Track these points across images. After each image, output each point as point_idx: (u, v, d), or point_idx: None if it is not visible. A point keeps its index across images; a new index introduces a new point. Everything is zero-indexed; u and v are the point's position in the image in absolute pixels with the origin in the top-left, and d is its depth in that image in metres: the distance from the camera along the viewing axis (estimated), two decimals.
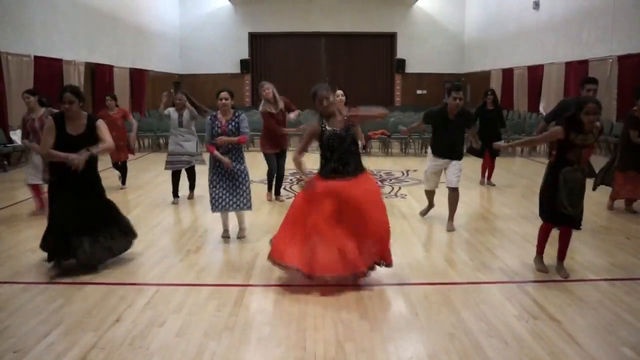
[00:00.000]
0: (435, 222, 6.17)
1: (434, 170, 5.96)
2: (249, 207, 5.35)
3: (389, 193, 7.98)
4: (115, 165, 8.34)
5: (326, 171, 4.14)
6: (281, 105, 6.90)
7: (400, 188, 8.32)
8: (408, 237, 5.61)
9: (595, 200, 6.59)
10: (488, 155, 8.36)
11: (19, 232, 5.77)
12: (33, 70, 11.22)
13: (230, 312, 3.70)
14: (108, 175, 8.16)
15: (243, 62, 21.72)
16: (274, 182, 7.35)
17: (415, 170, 10.00)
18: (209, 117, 5.31)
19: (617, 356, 3.12)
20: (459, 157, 5.77)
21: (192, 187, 7.59)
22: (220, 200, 5.23)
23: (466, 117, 5.77)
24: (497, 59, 18.46)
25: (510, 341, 3.28)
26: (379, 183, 8.81)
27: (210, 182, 5.29)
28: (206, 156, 5.82)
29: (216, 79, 20.38)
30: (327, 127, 4.13)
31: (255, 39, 22.05)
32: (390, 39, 22.19)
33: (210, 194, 5.28)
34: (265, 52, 22.23)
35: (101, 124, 4.45)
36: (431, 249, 5.23)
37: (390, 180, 9.11)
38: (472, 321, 3.56)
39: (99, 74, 14.48)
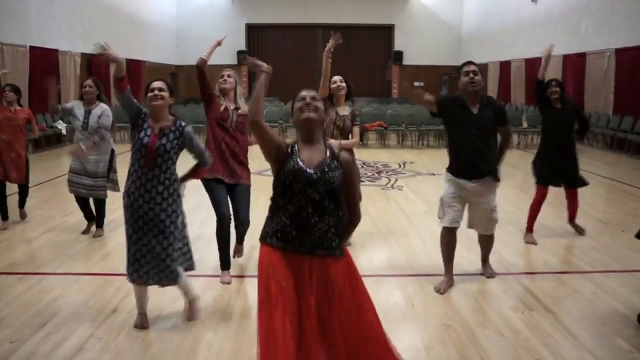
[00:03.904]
0: (432, 215, 6.17)
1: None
2: (174, 278, 3.22)
3: (386, 185, 7.99)
4: (1, 189, 5.51)
5: (270, 231, 2.31)
6: (242, 106, 4.20)
7: (397, 180, 8.33)
8: (405, 229, 5.63)
9: (591, 191, 6.60)
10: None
11: (15, 223, 5.74)
12: (29, 61, 11.14)
13: (228, 302, 3.71)
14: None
15: (240, 54, 21.61)
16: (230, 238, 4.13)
17: (412, 163, 10.03)
18: (142, 111, 3.27)
19: (612, 348, 3.14)
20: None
21: (99, 224, 5.17)
22: (135, 266, 3.17)
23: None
24: (494, 52, 18.41)
25: (505, 332, 3.30)
26: (376, 175, 8.83)
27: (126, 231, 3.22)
28: None
29: (213, 70, 19.98)
30: (296, 154, 2.29)
31: (253, 30, 21.93)
32: (387, 31, 22.10)
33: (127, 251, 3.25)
34: (263, 43, 22.12)
35: None
36: (428, 241, 5.24)
37: (387, 172, 9.12)
38: (468, 312, 3.58)
39: (95, 65, 14.39)
